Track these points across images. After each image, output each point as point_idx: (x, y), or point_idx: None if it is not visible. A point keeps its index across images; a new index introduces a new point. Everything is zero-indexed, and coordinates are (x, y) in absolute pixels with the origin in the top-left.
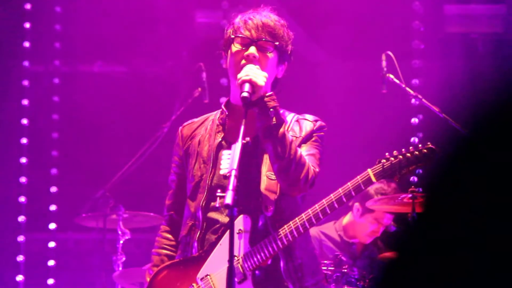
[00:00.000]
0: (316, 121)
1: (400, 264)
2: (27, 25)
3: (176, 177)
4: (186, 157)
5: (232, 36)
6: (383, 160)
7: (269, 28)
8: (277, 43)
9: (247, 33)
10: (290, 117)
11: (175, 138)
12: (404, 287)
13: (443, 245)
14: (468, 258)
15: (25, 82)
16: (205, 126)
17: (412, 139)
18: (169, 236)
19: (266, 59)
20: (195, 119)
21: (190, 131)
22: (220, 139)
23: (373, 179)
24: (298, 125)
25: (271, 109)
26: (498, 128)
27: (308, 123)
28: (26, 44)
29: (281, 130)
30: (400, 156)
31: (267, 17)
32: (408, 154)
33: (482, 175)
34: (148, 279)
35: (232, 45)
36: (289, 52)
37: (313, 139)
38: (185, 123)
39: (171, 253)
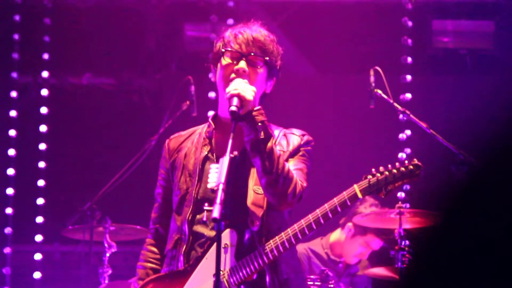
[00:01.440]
0: (303, 135)
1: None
2: (16, 36)
3: (162, 190)
4: (172, 170)
5: (222, 50)
6: (369, 176)
7: (259, 43)
8: (267, 58)
9: (237, 47)
10: (277, 131)
11: (161, 151)
12: None
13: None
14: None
15: (13, 93)
16: (191, 140)
17: (399, 155)
18: (154, 249)
19: (256, 74)
20: (182, 132)
21: (177, 144)
22: (206, 153)
23: (359, 195)
24: (285, 139)
25: (259, 123)
26: (485, 143)
27: (295, 137)
28: (15, 55)
29: (269, 144)
30: (386, 172)
31: (258, 31)
32: (394, 170)
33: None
34: None
35: (222, 58)
36: (278, 68)
37: (300, 153)
38: (172, 136)
39: (156, 266)
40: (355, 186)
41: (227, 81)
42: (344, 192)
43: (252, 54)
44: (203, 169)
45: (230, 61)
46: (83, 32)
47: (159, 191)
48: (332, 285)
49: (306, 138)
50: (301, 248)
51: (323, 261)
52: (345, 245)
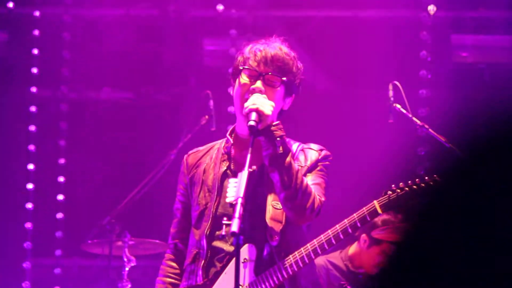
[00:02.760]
0: (321, 150)
1: None
2: (35, 51)
3: (181, 205)
4: (191, 186)
5: (240, 68)
6: (389, 192)
7: (278, 62)
8: (284, 78)
9: (255, 65)
10: (295, 146)
11: (180, 166)
12: None
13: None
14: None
15: (33, 108)
16: (210, 155)
17: (418, 169)
18: (174, 264)
19: (273, 92)
20: (200, 148)
21: (196, 160)
22: (225, 168)
23: (379, 211)
24: (303, 154)
25: (278, 138)
26: (504, 158)
27: (313, 152)
28: (34, 70)
29: (288, 159)
30: (406, 188)
31: (277, 49)
32: (414, 186)
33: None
34: None
35: (240, 76)
36: (297, 85)
37: (318, 168)
38: (190, 152)
39: (176, 281)
40: (375, 202)
41: (243, 100)
42: (364, 208)
43: (270, 73)
44: (222, 184)
45: (247, 79)
46: (102, 47)
47: (178, 207)
48: None
49: (324, 153)
50: (319, 260)
51: (343, 273)
52: (363, 256)
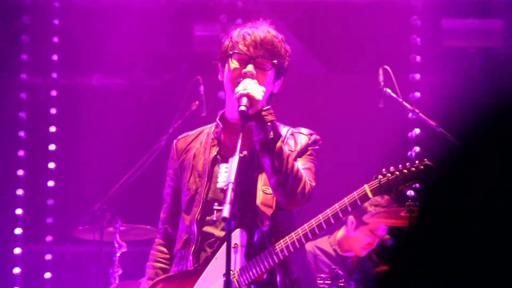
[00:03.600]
0: (311, 134)
1: (394, 277)
2: (25, 37)
3: (171, 191)
4: (181, 171)
5: (230, 52)
6: (380, 176)
7: (268, 45)
8: (275, 61)
9: (244, 49)
10: (284, 130)
11: (169, 152)
12: None
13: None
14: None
15: (23, 95)
16: (200, 140)
17: (409, 153)
18: (164, 249)
19: (264, 76)
20: (190, 132)
21: (185, 145)
22: (215, 153)
23: (370, 195)
24: (293, 139)
25: (269, 123)
26: (494, 141)
27: (303, 136)
28: (24, 56)
29: (278, 144)
30: (397, 172)
31: (266, 32)
32: (405, 170)
33: (477, 188)
34: None
35: (230, 60)
36: (286, 67)
37: (308, 153)
38: (180, 137)
39: (166, 266)
40: (366, 186)
41: (235, 84)
42: (355, 192)
43: (260, 57)
44: (212, 169)
45: (237, 63)
46: (92, 33)
47: (168, 192)
48: (342, 284)
49: (314, 137)
50: (307, 246)
51: (331, 258)
52: (351, 238)
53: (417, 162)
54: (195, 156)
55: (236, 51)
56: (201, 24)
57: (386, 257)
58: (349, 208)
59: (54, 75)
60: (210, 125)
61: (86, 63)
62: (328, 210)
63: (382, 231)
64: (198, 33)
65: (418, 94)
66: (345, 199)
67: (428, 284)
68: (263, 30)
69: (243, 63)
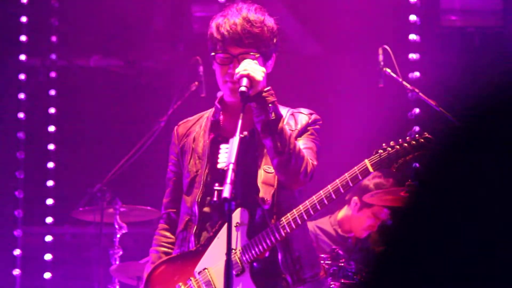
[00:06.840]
0: (311, 114)
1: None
2: (24, 19)
3: (173, 175)
4: (182, 155)
5: (213, 54)
6: (380, 150)
7: (249, 39)
8: (257, 55)
9: (225, 48)
10: (284, 111)
11: (171, 137)
12: (395, 280)
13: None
14: (461, 252)
15: (22, 76)
16: (199, 124)
17: (408, 133)
18: (167, 234)
19: None
20: (190, 118)
21: (185, 129)
22: (215, 135)
23: (370, 169)
24: (293, 118)
25: (270, 104)
26: (494, 121)
27: (303, 116)
28: (23, 38)
29: (280, 125)
30: (397, 146)
31: (245, 22)
32: (405, 144)
33: (477, 169)
34: (145, 275)
35: (214, 61)
36: (275, 46)
37: (309, 132)
38: (180, 122)
39: (169, 250)
40: (366, 161)
41: (225, 83)
42: (356, 167)
43: (243, 53)
44: (212, 151)
45: (222, 63)
46: (91, 14)
47: (170, 176)
48: (342, 264)
49: (314, 116)
50: (308, 226)
51: (332, 238)
52: (353, 219)
53: (417, 135)
54: (195, 139)
55: (218, 51)
56: (199, 4)
57: (385, 237)
58: (350, 183)
59: (53, 56)
60: (210, 110)
61: (85, 44)
62: (329, 186)
63: (385, 214)
64: (196, 14)
65: (417, 73)
66: (346, 174)
67: (425, 264)
68: (242, 21)
69: (227, 62)
